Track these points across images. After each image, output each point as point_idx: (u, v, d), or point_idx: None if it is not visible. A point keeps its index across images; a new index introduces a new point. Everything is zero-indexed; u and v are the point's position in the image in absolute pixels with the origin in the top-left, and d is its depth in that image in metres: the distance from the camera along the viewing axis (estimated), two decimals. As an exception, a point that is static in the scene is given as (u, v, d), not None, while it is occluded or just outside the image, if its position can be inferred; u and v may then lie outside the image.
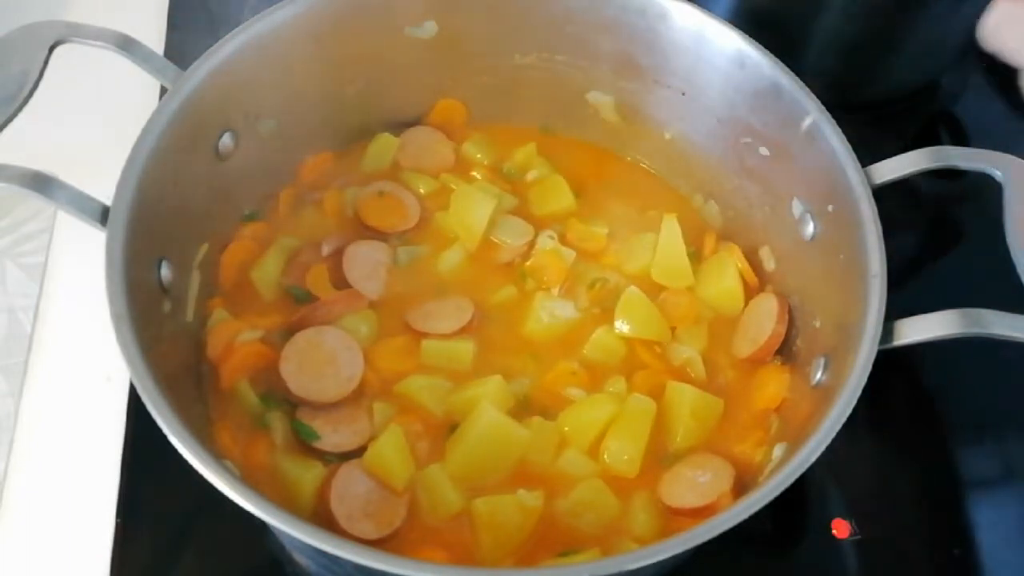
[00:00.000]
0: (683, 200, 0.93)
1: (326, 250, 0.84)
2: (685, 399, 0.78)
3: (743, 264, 0.85)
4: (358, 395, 0.77)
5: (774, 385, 0.78)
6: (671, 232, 0.86)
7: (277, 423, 0.75)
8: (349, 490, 0.71)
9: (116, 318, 0.63)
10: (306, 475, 0.71)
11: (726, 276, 0.85)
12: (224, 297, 0.81)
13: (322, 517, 0.70)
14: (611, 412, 0.77)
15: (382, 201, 0.88)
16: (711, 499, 0.72)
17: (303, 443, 0.74)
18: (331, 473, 0.72)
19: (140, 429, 0.80)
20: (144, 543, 0.76)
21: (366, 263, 0.84)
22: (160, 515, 0.78)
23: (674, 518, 0.73)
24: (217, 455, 0.59)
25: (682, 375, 0.81)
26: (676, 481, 0.75)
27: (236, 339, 0.78)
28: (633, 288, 0.84)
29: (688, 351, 0.82)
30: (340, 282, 0.83)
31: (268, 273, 0.83)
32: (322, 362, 0.76)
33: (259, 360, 0.77)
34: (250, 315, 0.81)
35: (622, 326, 0.82)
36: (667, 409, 0.78)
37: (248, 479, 0.66)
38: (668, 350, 0.83)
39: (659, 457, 0.77)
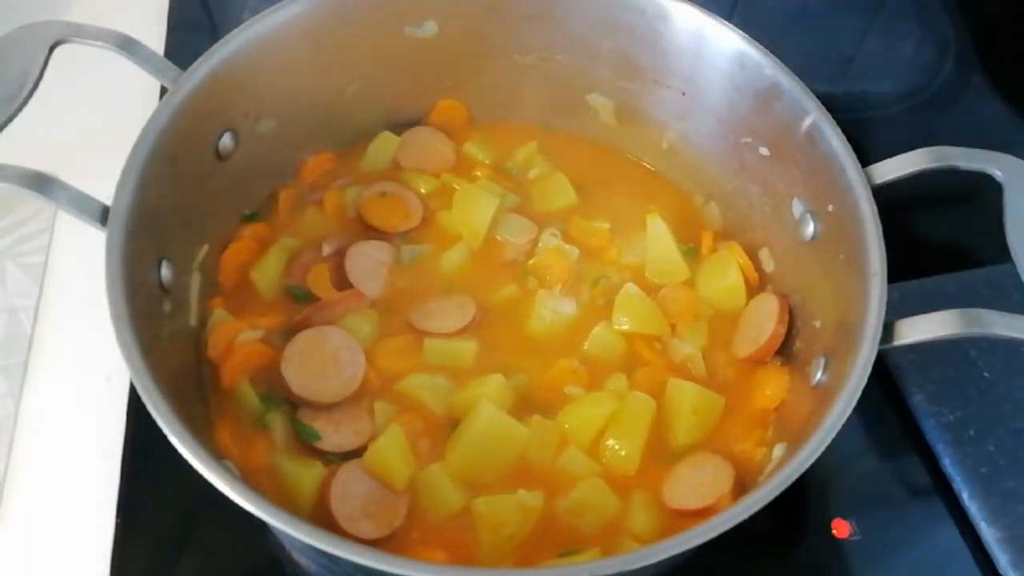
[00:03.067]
0: (684, 197, 0.93)
1: (327, 250, 0.84)
2: (686, 396, 0.78)
3: (744, 260, 0.85)
4: (359, 395, 0.77)
5: (774, 385, 0.78)
6: (658, 231, 0.86)
7: (277, 423, 0.75)
8: (349, 490, 0.71)
9: (116, 318, 0.63)
10: (306, 475, 0.71)
11: (728, 273, 0.85)
12: (225, 297, 0.81)
13: (322, 517, 0.70)
14: (610, 410, 0.77)
15: (384, 201, 0.88)
16: (711, 501, 0.72)
17: (303, 443, 0.74)
18: (331, 473, 0.71)
19: (140, 429, 0.80)
20: (144, 543, 0.76)
21: (368, 263, 0.84)
22: (160, 515, 0.78)
23: (674, 518, 0.73)
24: (217, 455, 0.59)
25: (683, 372, 0.81)
26: (676, 482, 0.75)
27: (237, 339, 0.78)
28: (630, 284, 0.84)
29: (688, 347, 0.82)
30: (342, 282, 0.83)
31: (269, 273, 0.83)
32: (323, 362, 0.76)
33: (260, 360, 0.77)
34: (251, 315, 0.81)
35: (621, 321, 0.82)
36: (668, 406, 0.78)
37: (248, 479, 0.66)
38: (668, 346, 0.83)
39: (660, 455, 0.77)
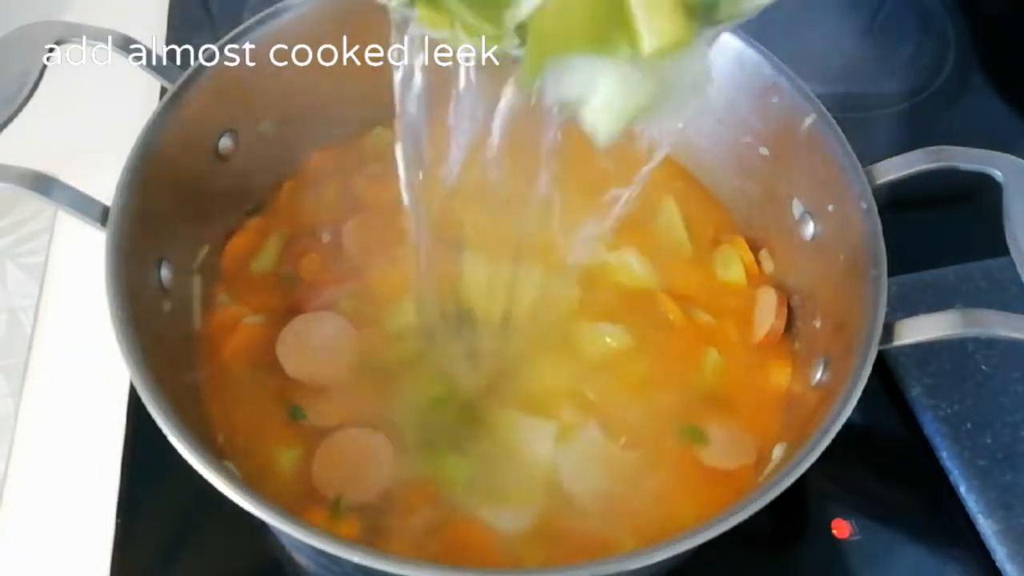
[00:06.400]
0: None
1: (326, 237, 0.84)
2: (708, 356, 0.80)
3: (748, 256, 0.86)
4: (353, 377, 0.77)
5: (777, 374, 0.79)
6: (671, 212, 0.88)
7: (272, 404, 0.75)
8: (332, 461, 0.71)
9: (116, 318, 0.63)
10: (289, 454, 0.72)
11: (730, 269, 0.85)
12: (225, 284, 0.81)
13: (305, 493, 0.70)
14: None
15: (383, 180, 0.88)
16: (733, 465, 0.73)
17: (295, 424, 0.74)
18: (314, 447, 0.72)
19: (140, 429, 0.80)
20: (144, 543, 0.76)
21: (368, 237, 0.84)
22: (160, 515, 0.78)
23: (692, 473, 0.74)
24: (217, 455, 0.59)
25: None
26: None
27: (236, 324, 0.78)
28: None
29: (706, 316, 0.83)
30: (341, 263, 0.83)
31: (267, 261, 0.83)
32: (316, 347, 0.77)
33: (258, 344, 0.78)
34: (251, 301, 0.80)
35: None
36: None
37: (241, 465, 0.68)
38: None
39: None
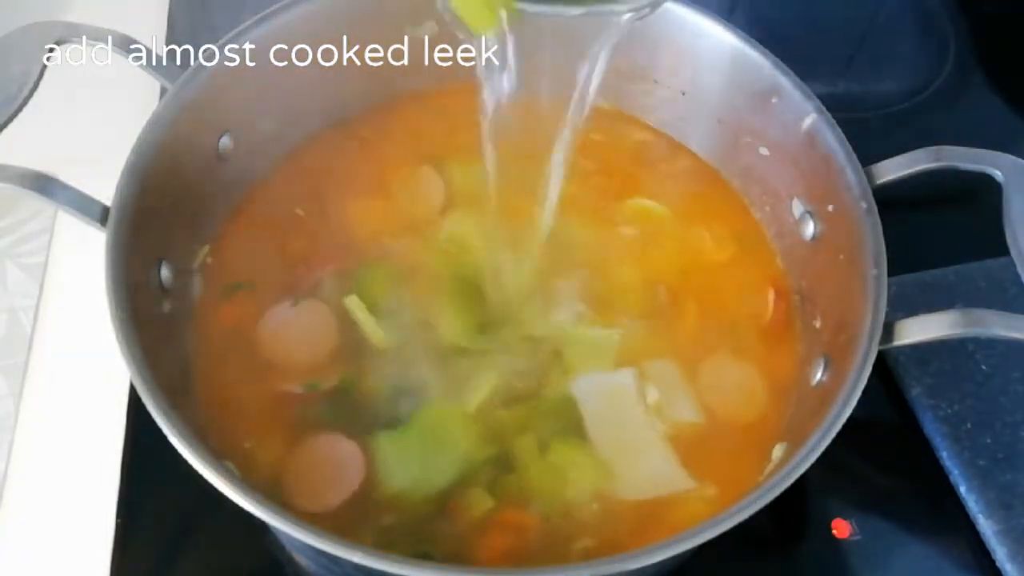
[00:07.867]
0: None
1: (318, 219, 0.84)
2: None
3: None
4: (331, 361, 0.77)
5: (781, 368, 0.79)
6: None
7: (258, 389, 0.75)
8: (304, 467, 0.71)
9: (116, 318, 0.62)
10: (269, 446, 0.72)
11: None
12: (221, 272, 0.81)
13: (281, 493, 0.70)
14: None
15: None
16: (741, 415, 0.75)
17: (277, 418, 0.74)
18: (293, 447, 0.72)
19: (140, 429, 0.80)
20: (144, 543, 0.76)
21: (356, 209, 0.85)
22: (160, 515, 0.78)
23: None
24: (217, 455, 0.59)
25: None
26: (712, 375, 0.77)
27: (230, 305, 0.78)
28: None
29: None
30: (331, 243, 0.83)
31: (261, 244, 0.83)
32: (298, 335, 0.77)
33: (248, 326, 0.78)
34: (245, 282, 0.80)
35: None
36: None
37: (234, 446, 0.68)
38: None
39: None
